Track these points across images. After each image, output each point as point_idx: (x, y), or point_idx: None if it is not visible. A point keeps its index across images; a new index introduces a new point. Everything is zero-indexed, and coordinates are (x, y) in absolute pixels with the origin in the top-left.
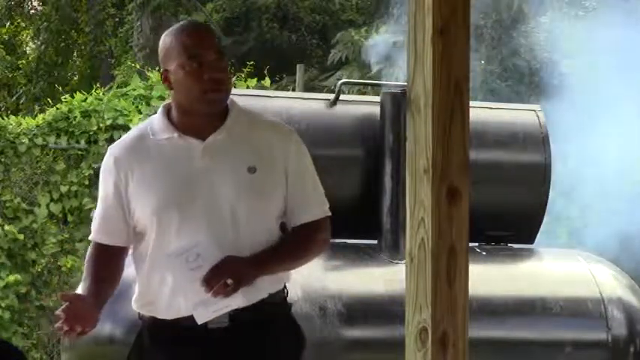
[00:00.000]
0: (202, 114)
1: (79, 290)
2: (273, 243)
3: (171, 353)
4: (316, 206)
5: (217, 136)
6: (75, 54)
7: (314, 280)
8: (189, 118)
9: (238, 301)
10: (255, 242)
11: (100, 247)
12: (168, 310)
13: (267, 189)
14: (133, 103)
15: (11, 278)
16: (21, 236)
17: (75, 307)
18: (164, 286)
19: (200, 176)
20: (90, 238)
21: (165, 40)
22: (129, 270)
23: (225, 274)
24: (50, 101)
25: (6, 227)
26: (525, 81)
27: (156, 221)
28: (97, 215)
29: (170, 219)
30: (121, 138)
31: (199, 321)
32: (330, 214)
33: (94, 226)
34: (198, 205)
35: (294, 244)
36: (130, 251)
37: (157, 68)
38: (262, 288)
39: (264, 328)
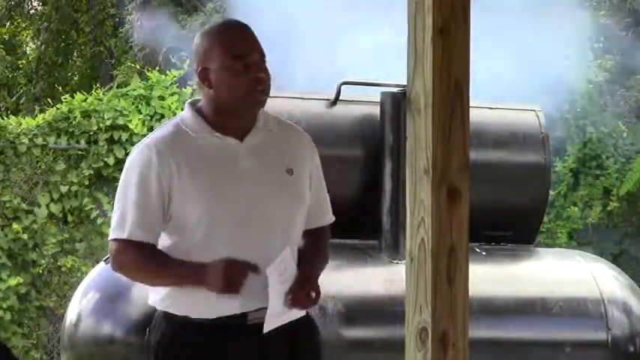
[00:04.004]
0: (242, 114)
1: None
2: (307, 248)
3: (211, 351)
4: (328, 211)
5: (254, 136)
6: (75, 54)
7: None
8: (226, 118)
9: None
10: (294, 245)
11: (134, 246)
12: (210, 310)
13: (302, 191)
14: (133, 103)
15: (12, 281)
16: (25, 236)
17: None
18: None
19: (244, 176)
20: (121, 236)
21: (204, 38)
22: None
23: (310, 287)
24: (50, 101)
25: (13, 225)
26: None
27: (203, 219)
28: (130, 212)
29: (218, 218)
30: (157, 134)
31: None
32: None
33: (126, 223)
34: (246, 206)
35: (324, 250)
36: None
37: (157, 68)
38: None
39: (298, 327)
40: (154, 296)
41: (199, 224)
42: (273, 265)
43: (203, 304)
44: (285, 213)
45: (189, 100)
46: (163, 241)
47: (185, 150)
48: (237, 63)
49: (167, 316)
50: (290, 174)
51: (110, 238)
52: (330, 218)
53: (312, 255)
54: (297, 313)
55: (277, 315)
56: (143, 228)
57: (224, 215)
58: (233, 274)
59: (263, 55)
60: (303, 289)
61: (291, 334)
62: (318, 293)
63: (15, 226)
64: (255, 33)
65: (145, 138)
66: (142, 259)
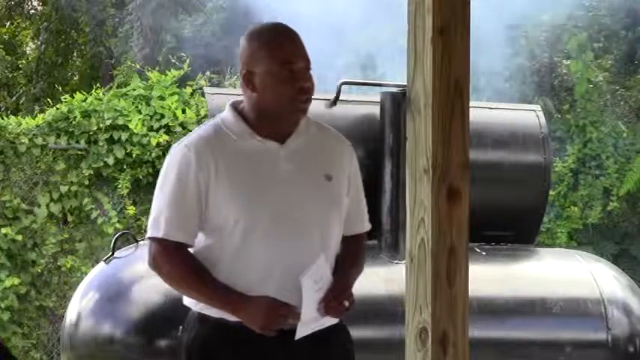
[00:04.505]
0: (284, 120)
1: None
2: (343, 255)
3: (243, 355)
4: (365, 219)
5: (295, 141)
6: (75, 54)
7: None
8: (268, 122)
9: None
10: (331, 251)
11: (172, 245)
12: None
13: (340, 197)
14: (133, 103)
15: (10, 282)
16: (19, 237)
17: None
18: (249, 292)
19: (283, 180)
20: (156, 235)
21: (251, 41)
22: (126, 272)
23: (344, 297)
24: (50, 101)
25: (2, 230)
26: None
27: (240, 222)
28: (166, 211)
29: (254, 221)
30: (195, 134)
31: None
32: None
33: (162, 222)
34: (283, 210)
35: (360, 258)
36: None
37: (157, 68)
38: None
39: (330, 334)
40: (189, 298)
41: (235, 226)
42: (307, 273)
43: None
44: (322, 218)
45: (231, 102)
46: (199, 243)
47: (224, 151)
48: (284, 69)
49: (201, 317)
50: (328, 179)
51: (147, 236)
52: (366, 226)
53: (348, 263)
54: (330, 320)
55: (310, 322)
56: (179, 227)
57: (261, 218)
58: (273, 316)
59: (309, 63)
60: (338, 298)
61: (323, 341)
62: (352, 302)
63: (5, 230)
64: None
65: (184, 137)
66: (182, 268)
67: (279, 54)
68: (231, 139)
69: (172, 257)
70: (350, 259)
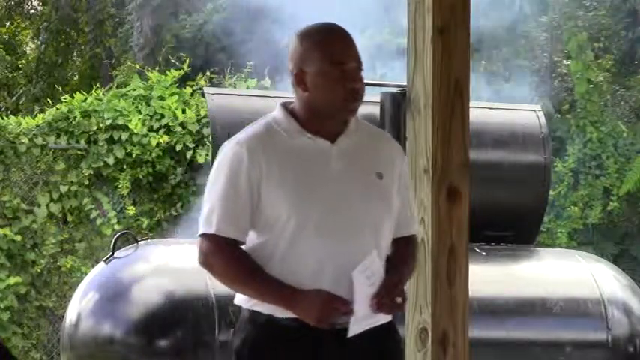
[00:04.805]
0: (335, 119)
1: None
2: (394, 257)
3: (294, 353)
4: (415, 221)
5: (346, 139)
6: (75, 54)
7: None
8: (319, 120)
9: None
10: (382, 250)
11: (226, 242)
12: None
13: (391, 196)
14: (133, 103)
15: (11, 280)
16: (19, 237)
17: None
18: (301, 287)
19: (334, 178)
20: (208, 231)
21: (303, 40)
22: (126, 272)
23: (396, 293)
24: (50, 101)
25: (2, 230)
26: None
27: (291, 219)
28: (218, 208)
29: (306, 218)
30: (248, 131)
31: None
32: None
33: (214, 218)
34: (335, 208)
35: (412, 260)
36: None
37: (157, 68)
38: None
39: (382, 333)
40: (240, 295)
41: (287, 223)
42: (359, 268)
43: None
44: (373, 217)
45: (281, 101)
46: (251, 241)
47: (276, 149)
48: (336, 69)
49: (252, 317)
50: (380, 178)
51: (198, 233)
52: (416, 228)
53: (399, 262)
54: (382, 318)
55: (363, 319)
56: (231, 224)
57: (312, 215)
58: (327, 309)
59: (360, 64)
60: (390, 295)
61: (375, 340)
62: (405, 299)
63: (7, 230)
64: (255, 33)
65: (235, 135)
66: (232, 263)
67: (331, 54)
68: (283, 137)
69: (225, 254)
70: (401, 258)
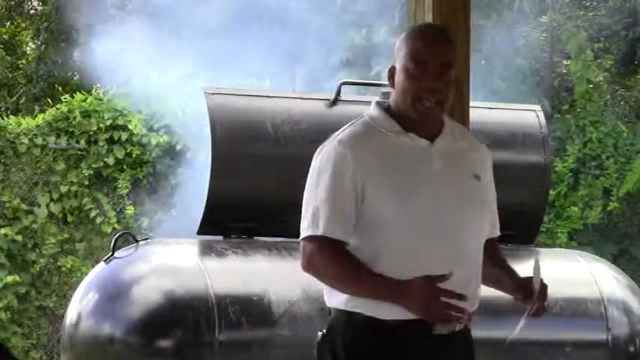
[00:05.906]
0: (410, 117)
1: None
2: (496, 259)
3: (392, 356)
4: (498, 224)
5: (443, 140)
6: (75, 54)
7: (314, 280)
8: (407, 119)
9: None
10: (481, 252)
11: (330, 245)
12: (393, 312)
13: (488, 197)
14: (133, 103)
15: (9, 279)
16: (19, 237)
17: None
18: None
19: (436, 178)
20: (315, 233)
21: (401, 37)
22: (126, 272)
23: (545, 294)
24: (50, 101)
25: (2, 230)
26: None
27: (394, 219)
28: (323, 208)
29: (408, 218)
30: (347, 130)
31: (438, 332)
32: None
33: (320, 219)
34: (437, 208)
35: (506, 261)
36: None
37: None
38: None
39: (467, 336)
40: (338, 297)
41: (389, 223)
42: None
43: (388, 306)
44: (475, 216)
45: (376, 100)
46: (352, 241)
47: (378, 147)
48: (416, 67)
49: (348, 319)
50: (477, 180)
51: (302, 237)
52: (497, 232)
53: (510, 267)
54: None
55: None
56: (338, 225)
57: (415, 216)
58: (433, 293)
59: (446, 66)
60: (544, 299)
61: (468, 344)
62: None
63: (7, 230)
64: (255, 33)
65: (334, 135)
66: (338, 263)
67: (415, 51)
68: (383, 135)
69: (333, 256)
70: (505, 261)
